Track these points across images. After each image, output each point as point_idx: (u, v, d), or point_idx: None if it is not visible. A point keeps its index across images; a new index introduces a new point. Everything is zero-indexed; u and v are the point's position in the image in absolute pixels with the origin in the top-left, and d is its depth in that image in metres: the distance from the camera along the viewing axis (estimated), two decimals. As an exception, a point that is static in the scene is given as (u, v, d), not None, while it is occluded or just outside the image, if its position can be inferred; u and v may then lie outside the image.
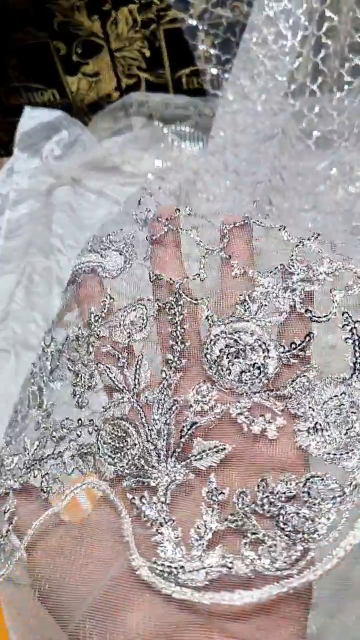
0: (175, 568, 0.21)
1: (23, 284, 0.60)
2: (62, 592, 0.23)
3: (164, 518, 0.23)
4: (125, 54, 0.67)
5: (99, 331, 0.28)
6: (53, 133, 0.68)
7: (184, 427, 0.25)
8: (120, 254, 0.30)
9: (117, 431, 0.26)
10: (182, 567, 0.21)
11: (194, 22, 0.57)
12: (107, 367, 0.27)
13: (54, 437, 0.28)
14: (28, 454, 0.27)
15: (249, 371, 0.25)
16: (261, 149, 0.56)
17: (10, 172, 0.67)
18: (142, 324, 0.28)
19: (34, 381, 0.30)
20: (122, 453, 0.25)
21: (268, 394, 0.24)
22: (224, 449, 0.24)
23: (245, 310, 0.26)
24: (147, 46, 0.66)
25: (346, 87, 0.57)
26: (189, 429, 0.25)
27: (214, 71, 0.58)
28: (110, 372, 0.27)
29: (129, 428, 0.26)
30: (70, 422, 0.28)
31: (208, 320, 0.26)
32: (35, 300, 0.58)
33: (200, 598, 0.21)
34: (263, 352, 0.25)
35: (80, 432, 0.27)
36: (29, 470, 0.27)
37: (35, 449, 0.27)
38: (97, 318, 0.29)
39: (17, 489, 0.26)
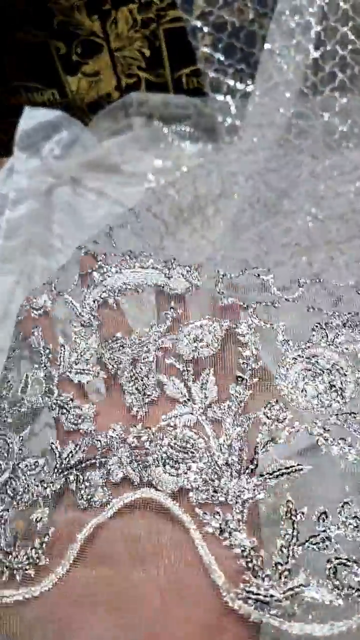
0: (265, 596, 0.20)
1: (23, 284, 0.60)
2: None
3: (245, 538, 0.22)
4: (125, 53, 0.67)
5: (161, 342, 0.28)
6: (53, 133, 0.68)
7: (258, 443, 0.24)
8: (184, 278, 0.31)
9: (181, 442, 0.25)
10: (272, 595, 0.20)
11: (198, 24, 0.56)
12: (170, 378, 0.27)
13: (99, 440, 0.26)
14: (58, 457, 0.26)
15: (326, 393, 0.25)
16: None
17: (10, 172, 0.67)
18: (210, 341, 0.27)
19: (38, 367, 0.29)
20: (187, 465, 0.24)
21: (346, 416, 0.24)
22: (301, 469, 0.23)
23: (321, 338, 0.26)
24: (147, 46, 0.66)
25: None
26: (264, 446, 0.24)
27: (215, 74, 0.58)
28: (174, 383, 0.27)
29: (195, 440, 0.25)
30: (121, 427, 0.26)
31: (283, 345, 0.27)
32: (35, 301, 0.58)
33: (289, 628, 0.20)
34: (340, 376, 0.25)
35: (134, 439, 0.26)
36: (61, 475, 0.25)
37: (70, 453, 0.26)
38: (158, 334, 0.29)
39: (48, 495, 0.25)
